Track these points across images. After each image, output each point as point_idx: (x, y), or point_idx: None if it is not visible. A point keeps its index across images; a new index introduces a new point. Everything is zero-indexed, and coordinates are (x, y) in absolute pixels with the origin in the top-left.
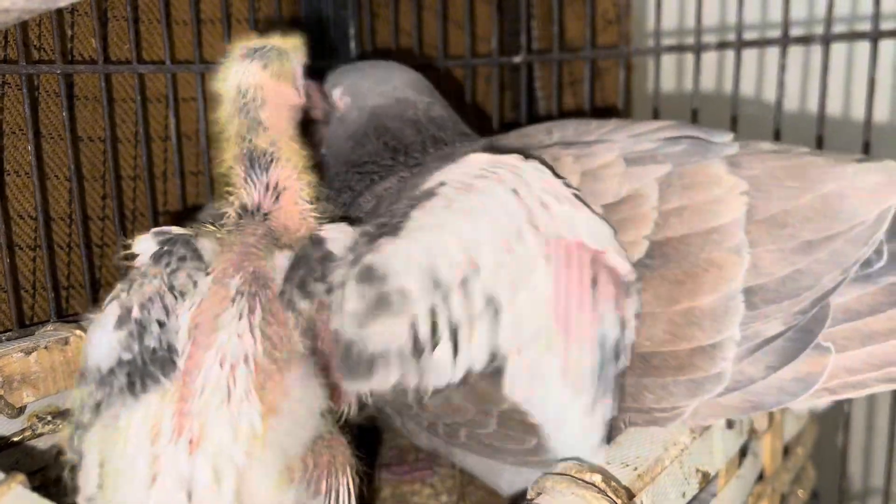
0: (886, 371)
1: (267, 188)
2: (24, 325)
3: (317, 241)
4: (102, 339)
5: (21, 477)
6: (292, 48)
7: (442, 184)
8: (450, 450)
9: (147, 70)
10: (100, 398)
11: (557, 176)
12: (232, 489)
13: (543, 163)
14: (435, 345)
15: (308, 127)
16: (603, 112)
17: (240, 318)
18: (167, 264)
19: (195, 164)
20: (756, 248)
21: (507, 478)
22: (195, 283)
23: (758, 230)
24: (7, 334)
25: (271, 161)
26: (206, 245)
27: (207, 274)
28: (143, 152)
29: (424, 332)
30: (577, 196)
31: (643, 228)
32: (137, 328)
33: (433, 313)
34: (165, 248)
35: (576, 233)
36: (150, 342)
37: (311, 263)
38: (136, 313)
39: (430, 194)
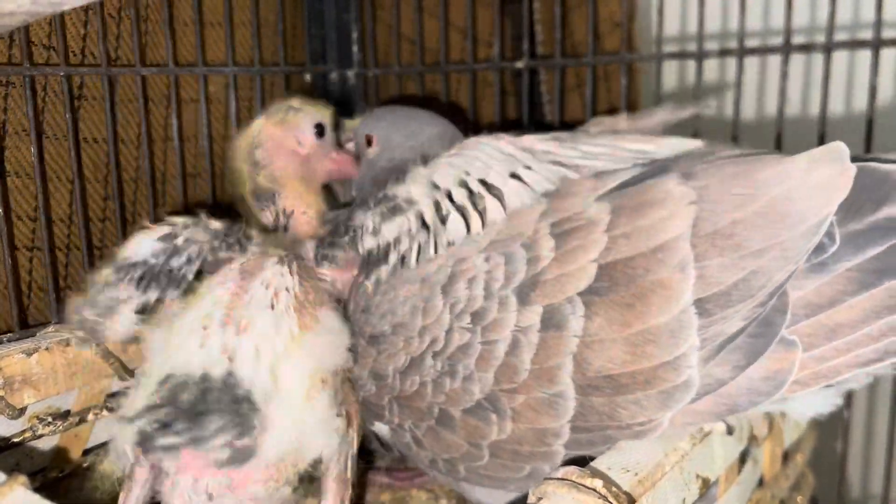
0: (855, 354)
1: (277, 214)
2: (26, 326)
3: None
4: (145, 240)
5: (23, 478)
6: (309, 108)
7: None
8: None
9: (150, 72)
10: (113, 280)
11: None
12: (268, 366)
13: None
14: (443, 220)
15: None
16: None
17: (282, 264)
18: (226, 230)
19: (193, 165)
20: (703, 262)
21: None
22: (243, 248)
23: (705, 243)
24: (8, 335)
25: (273, 194)
26: (252, 232)
27: (253, 245)
28: (145, 154)
29: (430, 215)
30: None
31: (592, 253)
32: (173, 249)
33: (436, 205)
34: (219, 227)
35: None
36: (175, 263)
37: (337, 227)
38: (179, 241)
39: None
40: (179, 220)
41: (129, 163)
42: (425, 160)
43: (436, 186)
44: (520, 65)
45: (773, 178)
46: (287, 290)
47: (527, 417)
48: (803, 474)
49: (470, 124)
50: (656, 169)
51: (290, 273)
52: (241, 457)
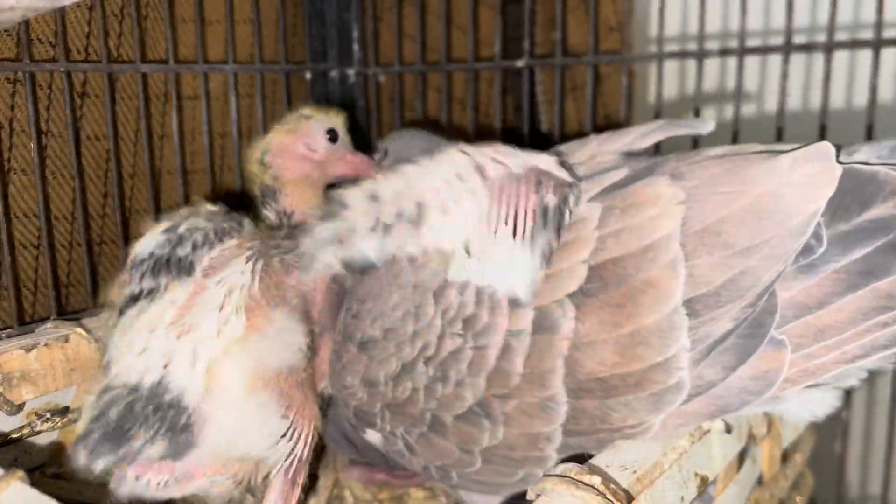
0: (842, 351)
1: (281, 213)
2: (25, 322)
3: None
4: (151, 237)
5: (20, 473)
6: (320, 116)
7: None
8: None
9: (150, 69)
10: (128, 280)
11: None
12: (203, 371)
13: None
14: (369, 231)
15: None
16: (604, 119)
17: (246, 262)
18: (218, 217)
19: (189, 162)
20: (692, 261)
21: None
22: (230, 236)
23: (693, 241)
24: (7, 331)
25: (275, 192)
26: (247, 224)
27: (238, 236)
28: (145, 151)
29: (362, 224)
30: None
31: (582, 253)
32: (177, 238)
33: (367, 214)
34: (218, 211)
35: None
36: (181, 252)
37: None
38: (181, 230)
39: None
40: (182, 211)
41: (126, 159)
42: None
43: (374, 199)
44: (520, 64)
45: (759, 176)
46: (242, 288)
47: (519, 422)
48: (802, 474)
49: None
50: (645, 170)
51: (252, 272)
52: (176, 451)
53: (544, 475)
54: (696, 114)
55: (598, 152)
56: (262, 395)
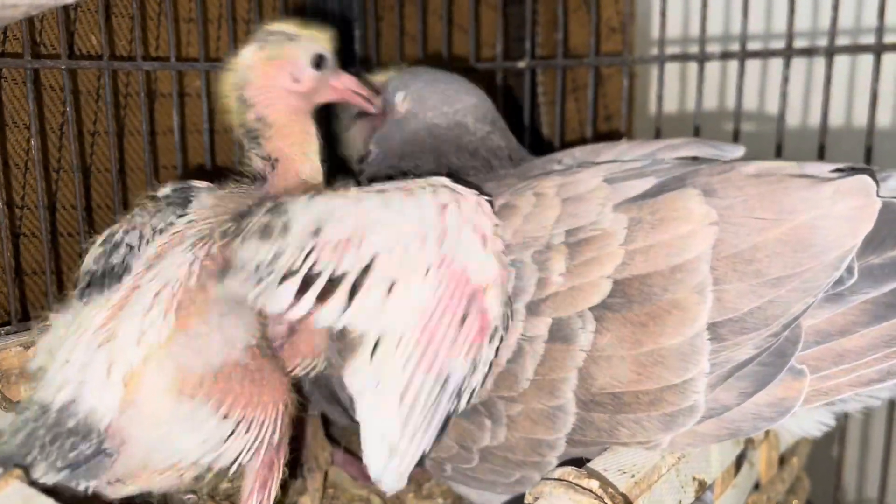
0: (857, 374)
1: (264, 158)
2: (24, 318)
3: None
4: (91, 252)
5: (18, 472)
6: (306, 36)
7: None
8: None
9: (152, 67)
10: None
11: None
12: (120, 382)
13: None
14: (291, 275)
15: (359, 116)
16: (605, 120)
17: (186, 251)
18: (156, 204)
19: (170, 159)
20: (721, 286)
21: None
22: (171, 224)
23: (724, 266)
24: (6, 328)
25: (258, 135)
26: (202, 198)
27: (184, 218)
28: (146, 147)
29: (284, 261)
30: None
31: (607, 268)
32: (111, 247)
33: (301, 250)
34: (166, 192)
35: (467, 261)
36: (114, 260)
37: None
38: (117, 236)
39: (378, 188)
40: (126, 216)
41: (128, 154)
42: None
43: (317, 232)
44: (522, 64)
45: (798, 205)
46: (175, 284)
47: (522, 427)
48: (799, 478)
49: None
50: (674, 180)
51: (191, 263)
52: (87, 474)
53: (542, 478)
54: (696, 129)
55: (621, 157)
56: (190, 402)
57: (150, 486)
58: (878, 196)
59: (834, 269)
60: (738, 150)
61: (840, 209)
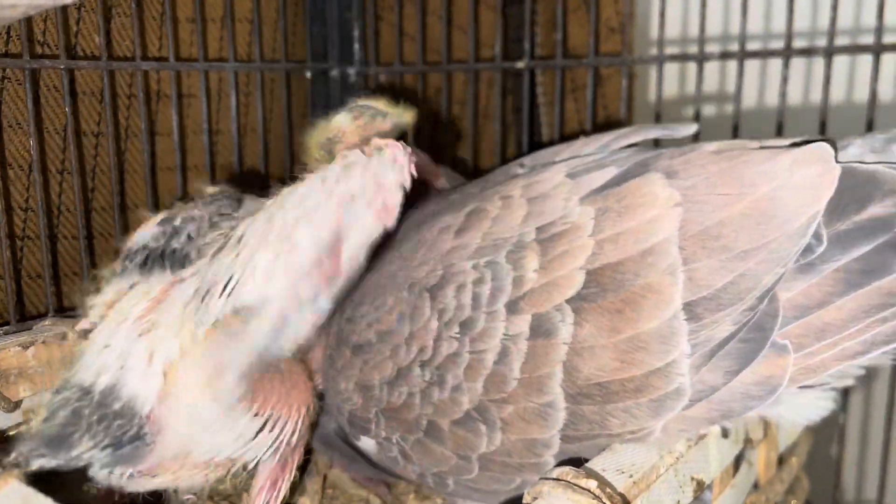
0: (842, 348)
1: None
2: (23, 319)
3: None
4: (146, 229)
5: (17, 471)
6: (394, 115)
7: None
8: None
9: (150, 67)
10: (119, 270)
11: None
12: (160, 372)
13: None
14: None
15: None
16: (604, 120)
17: (228, 257)
18: (213, 202)
19: (173, 159)
20: (691, 264)
21: None
22: (226, 219)
23: (693, 244)
24: (5, 328)
25: None
26: (249, 205)
27: (231, 221)
28: (145, 148)
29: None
30: None
31: (579, 259)
32: (172, 230)
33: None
34: (219, 195)
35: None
36: (175, 244)
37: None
38: (177, 221)
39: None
40: (181, 203)
41: (125, 155)
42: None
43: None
44: (521, 65)
45: (758, 178)
46: (216, 285)
47: (517, 428)
48: (798, 478)
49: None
50: (636, 167)
51: (231, 267)
52: (126, 459)
53: (540, 478)
54: (697, 117)
55: (579, 153)
56: (225, 398)
57: (178, 480)
58: (838, 162)
59: (800, 237)
60: (690, 129)
61: (799, 178)
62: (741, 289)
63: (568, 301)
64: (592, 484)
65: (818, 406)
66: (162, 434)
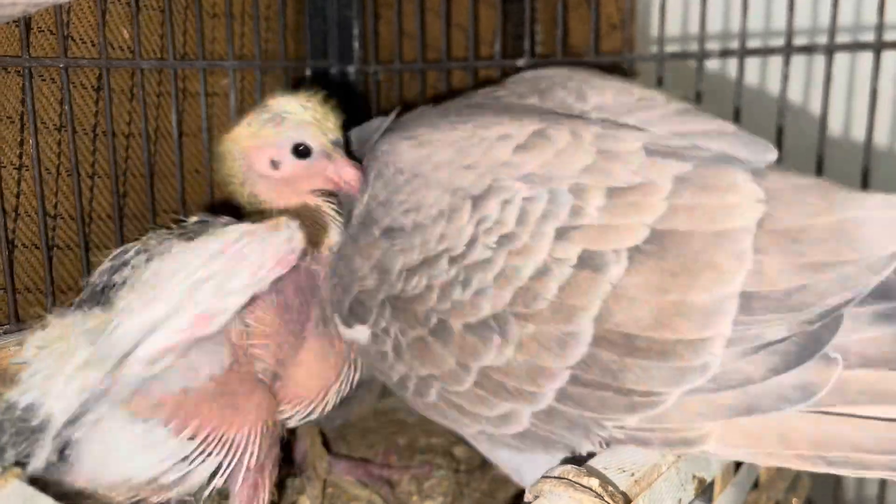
0: (891, 458)
1: None
2: (21, 319)
3: None
4: (102, 264)
5: (18, 471)
6: (294, 119)
7: None
8: (428, 412)
9: (150, 65)
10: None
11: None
12: (77, 396)
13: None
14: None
15: None
16: None
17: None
18: (171, 232)
19: (171, 161)
20: (762, 256)
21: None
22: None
23: (768, 240)
24: (4, 328)
25: (258, 208)
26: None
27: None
28: (145, 148)
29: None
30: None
31: (647, 216)
32: (119, 264)
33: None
34: (192, 222)
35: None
36: (116, 278)
37: None
38: (128, 255)
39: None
40: (155, 232)
41: (129, 156)
42: None
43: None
44: (521, 63)
45: (849, 201)
46: None
47: (530, 349)
48: (799, 476)
49: None
50: (719, 158)
51: None
52: (50, 471)
53: (542, 476)
54: None
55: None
56: (144, 423)
57: (109, 499)
58: None
59: (875, 272)
60: (773, 153)
61: (888, 215)
62: (803, 300)
63: (627, 248)
64: (594, 482)
65: None
66: (77, 456)
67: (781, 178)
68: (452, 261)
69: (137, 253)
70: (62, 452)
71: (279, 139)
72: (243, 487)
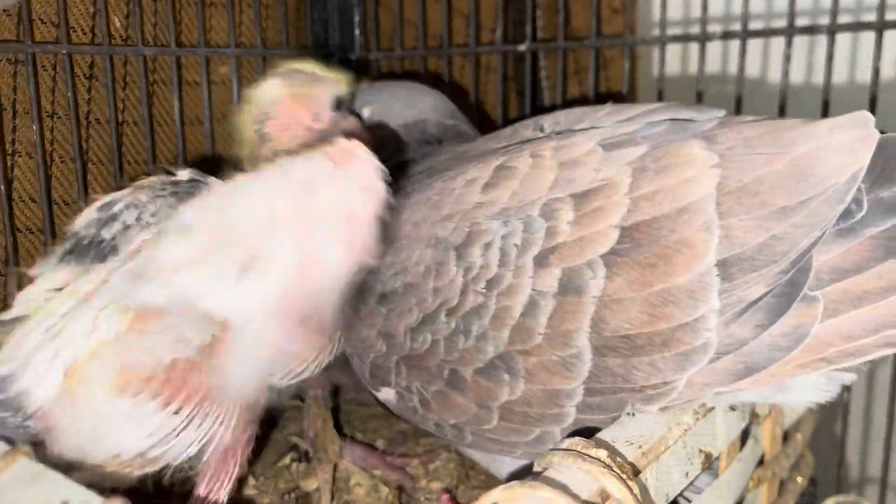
0: (883, 335)
1: None
2: None
3: None
4: (87, 212)
5: (26, 448)
6: (330, 77)
7: None
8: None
9: (152, 52)
10: (56, 258)
11: None
12: (61, 372)
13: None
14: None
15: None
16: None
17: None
18: (162, 188)
19: (172, 148)
20: (728, 220)
21: (507, 467)
22: (162, 219)
23: (729, 201)
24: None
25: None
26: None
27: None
28: (147, 135)
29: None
30: None
31: (614, 216)
32: (108, 217)
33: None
34: (182, 179)
35: None
36: (105, 233)
37: None
38: (117, 207)
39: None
40: (142, 182)
41: (132, 143)
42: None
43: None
44: (522, 48)
45: (797, 139)
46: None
47: (539, 378)
48: (803, 455)
49: (472, 106)
50: (669, 130)
51: None
52: (17, 436)
53: (551, 449)
54: (699, 97)
55: (604, 123)
56: (133, 398)
57: (98, 473)
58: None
59: (839, 198)
60: (719, 112)
61: (839, 140)
62: (776, 251)
63: (601, 256)
64: (602, 453)
65: (823, 391)
66: (51, 433)
67: (731, 132)
68: (450, 313)
69: (127, 207)
70: (23, 426)
71: (323, 93)
72: (213, 460)
